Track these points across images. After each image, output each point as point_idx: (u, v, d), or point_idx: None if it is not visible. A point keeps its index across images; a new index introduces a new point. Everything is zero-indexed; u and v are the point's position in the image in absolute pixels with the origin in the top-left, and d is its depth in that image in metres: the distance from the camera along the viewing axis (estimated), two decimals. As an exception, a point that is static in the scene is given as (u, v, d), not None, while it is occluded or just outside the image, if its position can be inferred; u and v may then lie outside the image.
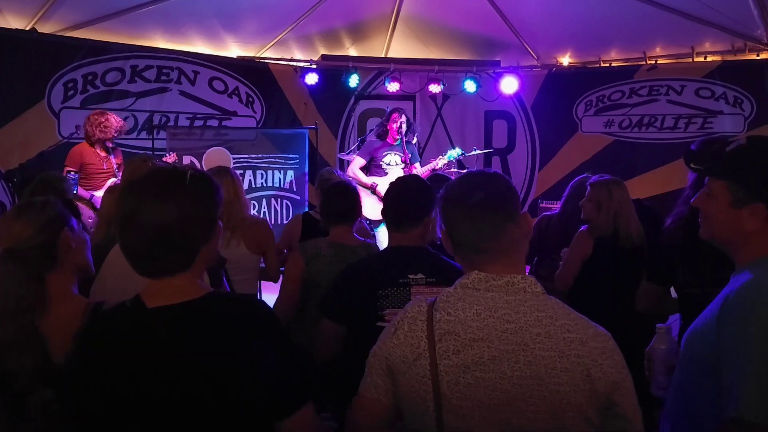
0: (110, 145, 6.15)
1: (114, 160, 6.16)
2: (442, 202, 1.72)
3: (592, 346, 1.53)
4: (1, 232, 2.04)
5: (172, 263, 1.60)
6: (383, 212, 2.84)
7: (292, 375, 1.61)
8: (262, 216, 7.66)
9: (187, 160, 7.63)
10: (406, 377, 1.59)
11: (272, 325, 1.64)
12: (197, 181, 1.63)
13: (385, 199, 2.88)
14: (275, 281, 4.05)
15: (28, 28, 7.18)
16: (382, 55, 9.47)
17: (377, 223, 6.96)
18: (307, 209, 7.17)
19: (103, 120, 6.03)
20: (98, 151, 6.08)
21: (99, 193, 5.74)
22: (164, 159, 6.41)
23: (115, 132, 6.10)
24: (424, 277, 2.60)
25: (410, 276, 2.60)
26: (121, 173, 6.03)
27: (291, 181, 8.09)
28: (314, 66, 9.04)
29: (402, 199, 2.81)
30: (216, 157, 7.79)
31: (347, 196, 3.49)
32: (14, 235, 2.01)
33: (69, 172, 5.76)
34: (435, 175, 6.24)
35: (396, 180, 3.00)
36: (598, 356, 1.52)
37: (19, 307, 1.92)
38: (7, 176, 6.69)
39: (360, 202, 3.54)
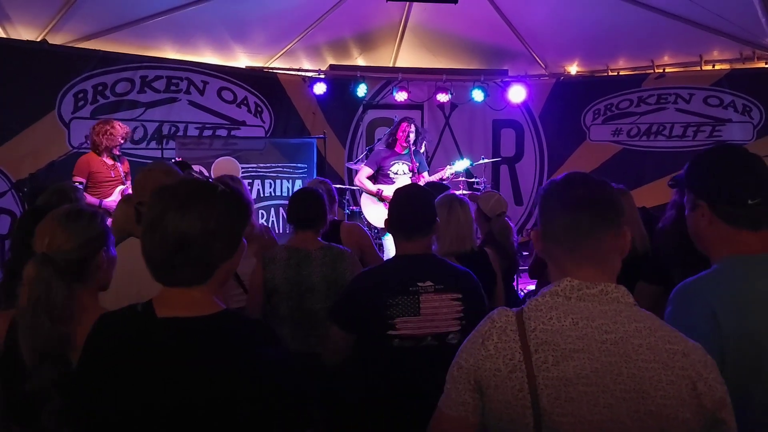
0: (117, 153, 6.19)
1: (121, 168, 6.21)
2: (544, 198, 1.63)
3: (694, 358, 1.45)
4: (43, 235, 2.05)
5: (189, 275, 1.60)
6: (389, 222, 2.84)
7: (291, 401, 1.60)
8: (270, 225, 7.68)
9: (196, 169, 7.66)
10: (499, 391, 1.49)
11: (274, 351, 1.63)
12: (227, 196, 1.62)
13: (392, 210, 2.87)
14: None
15: (39, 40, 7.25)
16: (390, 65, 9.52)
17: (384, 231, 6.97)
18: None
19: (109, 128, 6.08)
20: (105, 159, 6.11)
21: (108, 200, 5.93)
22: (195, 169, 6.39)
23: (122, 139, 6.15)
24: (432, 284, 2.61)
25: (419, 284, 2.60)
26: (129, 181, 6.12)
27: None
28: (322, 76, 9.09)
29: (411, 210, 2.81)
30: (225, 166, 7.81)
31: (307, 202, 3.51)
32: (57, 244, 2.03)
33: (76, 182, 5.80)
34: (433, 184, 6.26)
35: (400, 190, 2.99)
36: (702, 369, 1.45)
37: (56, 315, 1.94)
38: (18, 186, 6.75)
39: (324, 208, 3.55)
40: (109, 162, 6.14)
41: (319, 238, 3.52)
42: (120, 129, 6.13)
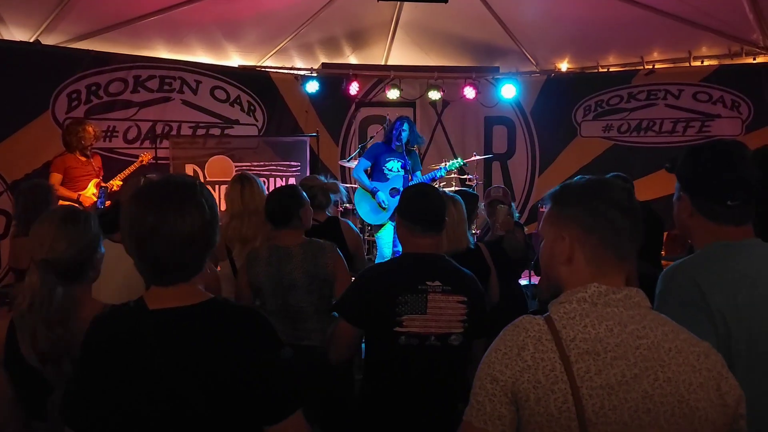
0: (88, 152, 6.66)
1: (94, 163, 6.71)
2: (584, 199, 1.59)
3: (714, 359, 1.49)
4: (42, 241, 2.12)
5: (193, 269, 1.67)
6: (403, 215, 2.80)
7: (283, 382, 1.65)
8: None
9: (189, 168, 7.71)
10: (541, 404, 1.45)
11: (266, 333, 1.68)
12: (204, 188, 1.70)
13: (408, 203, 2.83)
14: None
15: (32, 41, 7.26)
16: (382, 63, 9.56)
17: (378, 228, 7.01)
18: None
19: (80, 129, 6.56)
20: (79, 156, 6.59)
21: (83, 192, 6.52)
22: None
23: (94, 140, 6.66)
24: (440, 284, 2.63)
25: (428, 283, 2.63)
26: (102, 173, 6.80)
27: (293, 188, 8.14)
28: (315, 74, 9.13)
29: (431, 204, 2.80)
30: (218, 165, 7.86)
31: (281, 201, 3.53)
32: (58, 249, 2.11)
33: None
34: (463, 192, 6.27)
35: (414, 186, 3.01)
36: (722, 369, 1.48)
37: (55, 320, 2.01)
38: (13, 187, 6.77)
39: (304, 206, 3.56)
40: (82, 159, 6.60)
41: (304, 235, 3.54)
42: (91, 131, 6.61)
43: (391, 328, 2.60)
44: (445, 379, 2.68)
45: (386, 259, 6.32)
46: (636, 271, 1.81)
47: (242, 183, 4.02)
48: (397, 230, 2.88)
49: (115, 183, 6.84)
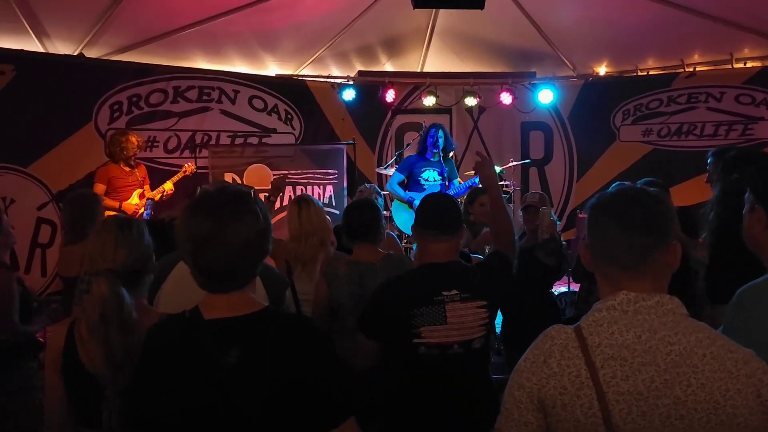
0: (132, 162, 6.79)
1: (138, 174, 6.81)
2: (594, 212, 1.62)
3: (755, 365, 1.45)
4: (103, 251, 2.19)
5: (247, 277, 1.70)
6: (417, 225, 2.82)
7: (337, 389, 1.67)
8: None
9: (228, 177, 7.79)
10: (568, 410, 1.47)
11: (321, 342, 1.71)
12: (258, 198, 1.74)
13: (419, 212, 2.86)
14: None
15: (75, 54, 7.43)
16: (418, 70, 9.56)
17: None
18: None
19: (123, 139, 6.72)
20: (122, 167, 6.73)
21: (126, 203, 6.64)
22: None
23: (137, 149, 6.80)
24: (458, 293, 2.62)
25: (444, 293, 2.62)
26: (147, 182, 6.91)
27: (330, 196, 8.19)
28: (351, 82, 9.18)
29: (440, 209, 2.81)
30: (257, 173, 7.93)
31: (363, 214, 3.42)
32: (119, 259, 2.18)
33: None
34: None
35: (427, 196, 3.01)
36: (762, 375, 1.44)
37: (129, 327, 2.07)
38: (58, 197, 6.93)
39: (381, 219, 3.47)
40: (126, 169, 6.73)
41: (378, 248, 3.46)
42: (134, 140, 6.76)
43: (409, 339, 2.60)
44: (467, 381, 2.68)
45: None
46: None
47: (300, 205, 3.94)
48: (416, 242, 2.88)
49: (158, 193, 6.94)
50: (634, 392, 1.43)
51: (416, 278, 2.76)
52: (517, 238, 3.05)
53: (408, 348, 2.62)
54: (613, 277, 1.56)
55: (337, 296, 3.33)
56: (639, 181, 4.19)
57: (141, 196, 6.76)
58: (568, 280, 6.25)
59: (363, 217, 3.38)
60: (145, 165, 7.27)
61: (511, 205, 7.92)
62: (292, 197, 7.97)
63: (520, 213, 5.02)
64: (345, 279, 3.32)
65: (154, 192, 6.89)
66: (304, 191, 8.05)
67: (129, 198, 6.67)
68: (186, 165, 7.39)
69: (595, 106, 9.29)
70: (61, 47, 7.39)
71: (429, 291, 2.63)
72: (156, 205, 6.77)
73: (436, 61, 9.45)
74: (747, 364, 1.45)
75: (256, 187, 7.74)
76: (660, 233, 1.54)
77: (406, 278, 2.86)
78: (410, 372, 2.66)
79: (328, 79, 9.27)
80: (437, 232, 2.74)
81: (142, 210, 6.63)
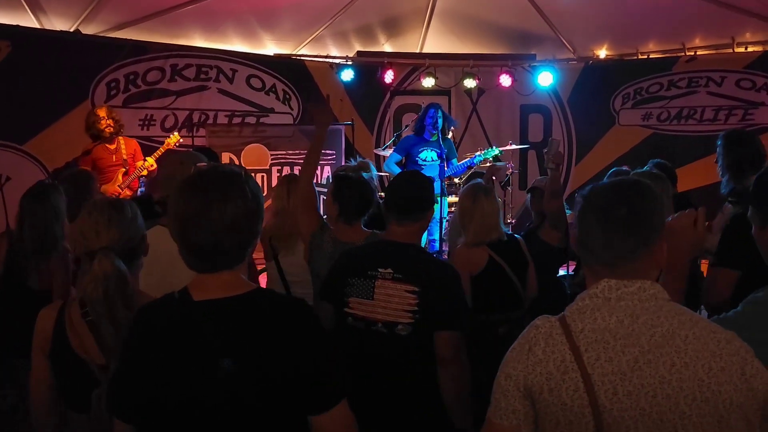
0: (109, 136, 6.38)
1: (124, 150, 6.48)
2: (582, 204, 1.62)
3: (737, 345, 1.48)
4: (97, 231, 2.16)
5: (236, 257, 1.68)
6: (385, 203, 2.82)
7: (332, 371, 1.67)
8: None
9: (225, 157, 7.76)
10: (554, 395, 1.50)
11: (313, 323, 1.70)
12: (250, 178, 1.72)
13: (387, 191, 2.86)
14: None
15: (72, 30, 7.37)
16: (417, 51, 9.50)
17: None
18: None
19: (93, 118, 6.35)
20: (106, 146, 6.40)
21: (106, 186, 6.23)
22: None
23: (111, 120, 6.37)
24: (391, 272, 2.62)
25: (379, 269, 2.63)
26: (137, 161, 6.52)
27: (328, 177, 8.18)
28: (350, 62, 9.12)
29: (406, 192, 2.79)
30: (254, 153, 7.91)
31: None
32: (114, 238, 2.15)
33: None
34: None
35: (399, 174, 3.00)
36: (746, 354, 1.47)
37: (132, 303, 2.04)
38: (54, 174, 6.88)
39: (373, 197, 3.38)
40: (111, 147, 6.41)
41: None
42: (101, 113, 6.36)
43: (341, 308, 2.68)
44: (399, 371, 2.64)
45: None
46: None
47: (289, 185, 3.98)
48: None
49: (140, 171, 6.51)
50: (618, 372, 1.46)
51: (364, 250, 2.86)
52: (516, 221, 3.02)
53: (339, 316, 2.70)
54: (596, 270, 1.59)
55: (318, 270, 3.33)
56: (648, 162, 4.18)
57: (124, 175, 6.48)
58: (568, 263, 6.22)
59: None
60: (142, 144, 7.20)
61: (509, 188, 7.96)
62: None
63: (528, 195, 4.99)
64: (327, 255, 3.33)
65: (136, 171, 6.50)
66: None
67: (113, 178, 6.43)
68: (170, 136, 6.83)
69: (595, 90, 9.25)
70: (58, 23, 7.32)
71: (366, 264, 2.67)
72: (151, 183, 6.60)
73: (435, 42, 9.39)
74: (729, 344, 1.47)
75: (254, 167, 7.75)
76: (643, 234, 1.54)
77: (357, 249, 2.92)
78: (340, 340, 2.69)
79: (327, 59, 9.21)
80: (398, 216, 2.75)
81: (127, 192, 6.45)
